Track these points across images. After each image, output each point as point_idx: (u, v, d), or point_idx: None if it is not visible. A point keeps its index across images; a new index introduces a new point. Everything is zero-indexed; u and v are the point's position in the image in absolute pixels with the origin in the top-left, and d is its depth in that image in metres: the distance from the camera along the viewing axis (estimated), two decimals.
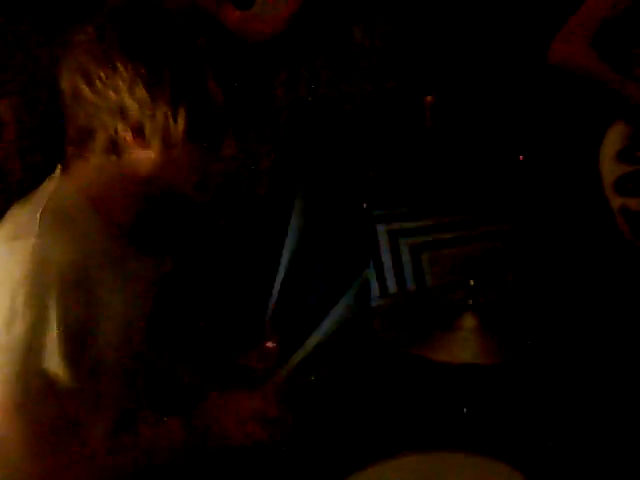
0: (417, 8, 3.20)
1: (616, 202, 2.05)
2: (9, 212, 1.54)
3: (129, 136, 1.42)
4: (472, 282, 1.87)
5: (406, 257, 2.84)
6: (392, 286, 2.85)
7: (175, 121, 1.39)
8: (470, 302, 1.84)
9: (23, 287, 1.36)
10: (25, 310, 1.35)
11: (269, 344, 2.10)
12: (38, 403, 1.37)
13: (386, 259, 2.82)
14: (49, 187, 1.52)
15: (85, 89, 1.41)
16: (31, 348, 1.36)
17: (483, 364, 1.74)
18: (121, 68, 1.37)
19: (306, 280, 2.53)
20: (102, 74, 1.39)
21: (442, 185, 3.02)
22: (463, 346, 1.77)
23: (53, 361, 1.37)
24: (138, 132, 1.42)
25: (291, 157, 2.61)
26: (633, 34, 2.18)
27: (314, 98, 2.98)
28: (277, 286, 2.20)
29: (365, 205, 2.81)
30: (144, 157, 1.45)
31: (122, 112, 1.40)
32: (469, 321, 1.83)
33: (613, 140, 2.07)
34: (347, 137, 2.95)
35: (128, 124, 1.41)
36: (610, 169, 2.05)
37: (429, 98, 3.06)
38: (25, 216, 1.47)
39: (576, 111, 2.30)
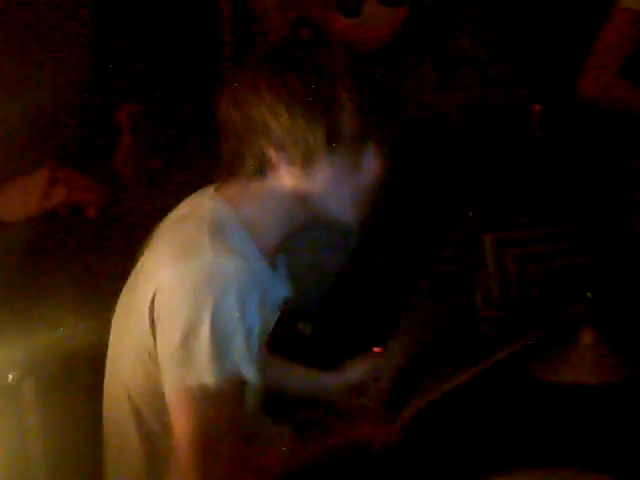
0: (519, 18, 3.17)
1: None
2: (163, 225, 1.64)
3: (274, 154, 1.47)
4: (589, 294, 1.83)
5: (512, 267, 2.81)
6: (497, 296, 2.82)
7: (314, 136, 1.44)
8: (588, 315, 1.80)
9: (206, 306, 1.44)
10: (210, 321, 1.44)
11: (377, 349, 2.11)
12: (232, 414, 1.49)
13: (492, 269, 2.79)
14: (206, 205, 1.57)
15: (235, 114, 1.52)
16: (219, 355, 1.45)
17: (602, 383, 1.70)
18: (265, 93, 1.47)
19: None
20: (249, 99, 1.50)
21: (549, 195, 2.98)
22: (581, 364, 1.74)
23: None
24: (280, 148, 1.49)
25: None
26: None
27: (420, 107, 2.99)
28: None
29: (471, 214, 2.79)
30: (290, 176, 1.50)
31: (266, 132, 1.48)
32: (587, 337, 1.79)
33: None
34: (455, 145, 2.94)
35: (272, 143, 1.48)
36: None
37: (537, 107, 3.03)
38: (192, 232, 1.53)
39: None
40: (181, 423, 1.47)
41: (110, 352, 1.72)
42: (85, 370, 1.85)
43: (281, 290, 1.66)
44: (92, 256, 2.17)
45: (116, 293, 1.71)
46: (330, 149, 1.48)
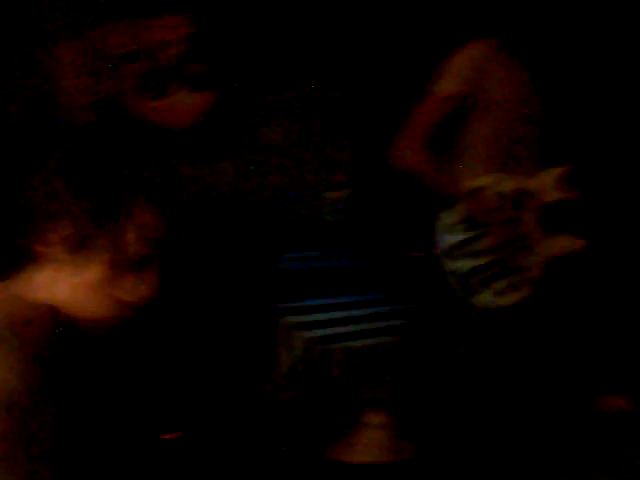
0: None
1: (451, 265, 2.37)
2: None
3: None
4: (380, 377, 1.90)
5: (308, 350, 2.86)
6: (297, 377, 2.85)
7: None
8: (380, 397, 1.86)
9: None
10: None
11: None
12: None
13: (285, 352, 2.83)
14: None
15: None
16: None
17: (394, 461, 1.75)
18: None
19: None
20: None
21: (346, 278, 3.08)
22: (368, 445, 1.78)
23: None
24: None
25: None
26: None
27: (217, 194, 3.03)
28: None
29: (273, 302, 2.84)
30: None
31: None
32: (374, 418, 1.85)
33: (449, 213, 2.40)
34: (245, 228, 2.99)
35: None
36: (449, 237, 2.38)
37: (335, 194, 3.14)
38: None
39: None
40: None
41: None
42: None
43: None
44: None
45: None
46: None
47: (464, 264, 2.35)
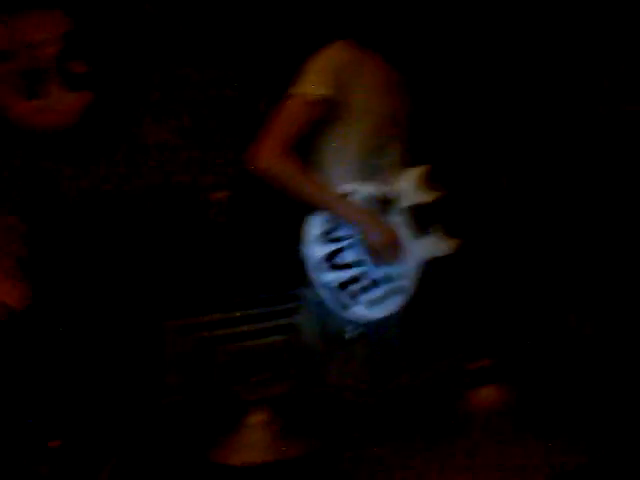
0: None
1: (320, 280, 2.26)
2: None
3: None
4: (264, 376, 1.89)
5: (191, 351, 2.83)
6: (179, 381, 2.83)
7: None
8: (256, 397, 1.84)
9: None
10: None
11: None
12: None
13: (170, 353, 2.81)
14: None
15: None
16: None
17: (280, 461, 1.74)
18: None
19: None
20: None
21: (229, 279, 3.07)
22: (251, 445, 1.77)
23: None
24: None
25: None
26: None
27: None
28: None
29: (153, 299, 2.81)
30: None
31: None
32: (256, 418, 1.83)
33: (315, 225, 2.27)
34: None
35: None
36: (314, 251, 2.27)
37: (219, 195, 3.13)
38: None
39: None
40: None
41: None
42: None
43: None
44: None
45: None
46: None
47: (334, 277, 2.25)
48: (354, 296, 2.28)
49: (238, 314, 3.01)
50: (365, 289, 2.29)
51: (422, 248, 2.40)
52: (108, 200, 2.97)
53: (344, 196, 2.30)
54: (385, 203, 2.35)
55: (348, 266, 2.28)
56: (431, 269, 2.41)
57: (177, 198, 3.12)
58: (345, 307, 2.27)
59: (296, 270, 2.34)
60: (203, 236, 3.11)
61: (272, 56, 3.30)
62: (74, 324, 2.55)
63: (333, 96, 2.25)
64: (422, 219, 2.39)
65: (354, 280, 2.29)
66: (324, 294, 2.27)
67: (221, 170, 3.26)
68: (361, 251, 2.29)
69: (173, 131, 3.20)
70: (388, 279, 2.33)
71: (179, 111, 3.22)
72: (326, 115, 2.28)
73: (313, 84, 2.25)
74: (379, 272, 2.32)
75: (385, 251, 2.31)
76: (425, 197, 2.41)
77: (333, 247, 2.27)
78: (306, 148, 2.31)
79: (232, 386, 2.25)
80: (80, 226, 2.78)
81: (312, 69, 2.27)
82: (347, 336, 2.32)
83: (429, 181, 2.43)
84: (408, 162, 2.43)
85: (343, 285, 2.27)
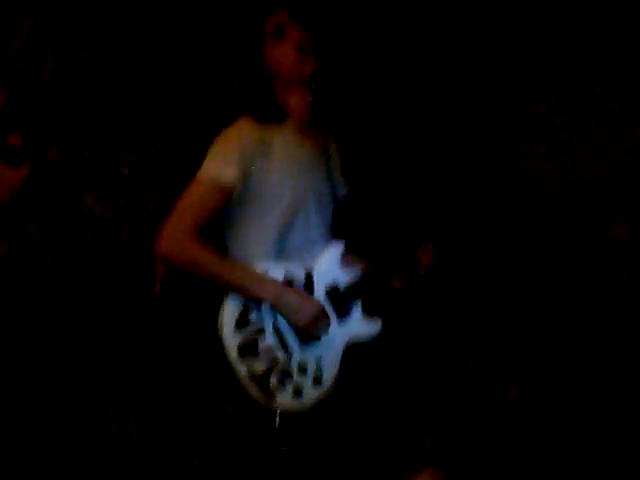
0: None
1: (242, 368, 2.13)
2: None
3: None
4: None
5: None
6: None
7: None
8: None
9: None
10: None
11: None
12: None
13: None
14: None
15: None
16: None
17: None
18: None
19: None
20: None
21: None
22: None
23: None
24: None
25: None
26: None
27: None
28: None
29: None
30: None
31: None
32: None
33: (230, 311, 2.16)
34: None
35: None
36: (232, 339, 2.14)
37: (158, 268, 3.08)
38: None
39: None
40: None
41: None
42: None
43: None
44: None
45: None
46: None
47: (256, 365, 2.11)
48: (279, 384, 2.12)
49: None
50: (288, 377, 2.14)
51: (344, 331, 2.27)
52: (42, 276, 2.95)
53: (260, 274, 2.18)
54: (303, 283, 2.23)
55: (267, 353, 2.14)
56: (355, 353, 2.27)
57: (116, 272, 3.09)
58: (271, 395, 2.11)
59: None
60: (140, 310, 3.08)
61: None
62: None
63: (240, 181, 2.16)
64: (342, 299, 2.28)
65: (277, 367, 2.14)
66: (248, 383, 2.11)
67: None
68: (284, 333, 2.17)
69: (112, 206, 3.16)
70: (311, 365, 2.19)
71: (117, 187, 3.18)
72: (236, 197, 2.18)
73: (218, 169, 2.16)
74: (302, 356, 2.18)
75: (313, 325, 2.18)
76: (345, 276, 2.30)
77: (251, 333, 2.14)
78: (220, 230, 2.23)
79: None
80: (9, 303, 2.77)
81: (217, 151, 2.18)
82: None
83: (348, 259, 2.31)
84: (327, 239, 2.32)
85: (267, 373, 2.12)
